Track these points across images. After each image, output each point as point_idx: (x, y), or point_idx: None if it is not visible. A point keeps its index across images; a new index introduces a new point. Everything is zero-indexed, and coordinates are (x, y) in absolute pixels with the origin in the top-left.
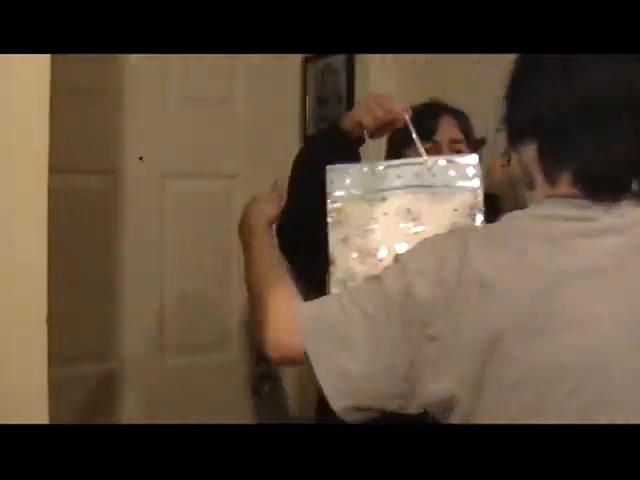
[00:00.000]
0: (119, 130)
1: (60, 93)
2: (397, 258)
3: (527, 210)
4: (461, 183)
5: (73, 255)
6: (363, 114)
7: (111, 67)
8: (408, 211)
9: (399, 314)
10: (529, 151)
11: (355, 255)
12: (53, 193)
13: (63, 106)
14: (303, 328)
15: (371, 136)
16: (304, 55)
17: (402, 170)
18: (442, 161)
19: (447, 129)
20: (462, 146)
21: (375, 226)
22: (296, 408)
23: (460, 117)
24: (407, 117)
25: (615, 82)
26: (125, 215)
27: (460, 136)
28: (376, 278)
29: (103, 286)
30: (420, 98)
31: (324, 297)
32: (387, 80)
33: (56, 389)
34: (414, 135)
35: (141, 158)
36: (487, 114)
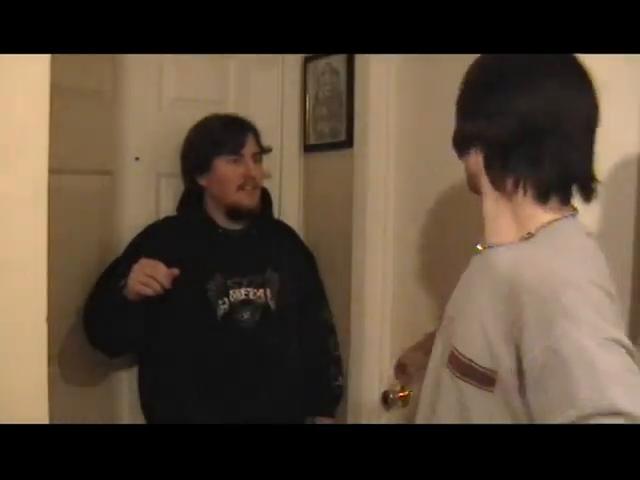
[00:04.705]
0: (115, 131)
1: (59, 93)
2: None
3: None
4: None
5: (72, 255)
6: (138, 286)
7: (108, 69)
8: None
9: None
10: (478, 160)
11: None
12: (52, 193)
13: (61, 106)
14: None
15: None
16: (304, 55)
17: None
18: None
19: (251, 145)
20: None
21: None
22: None
23: (257, 133)
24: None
25: (545, 106)
26: (122, 215)
27: (258, 149)
28: None
29: None
30: (420, 98)
31: None
32: (387, 80)
33: (56, 389)
34: None
35: (137, 158)
36: None
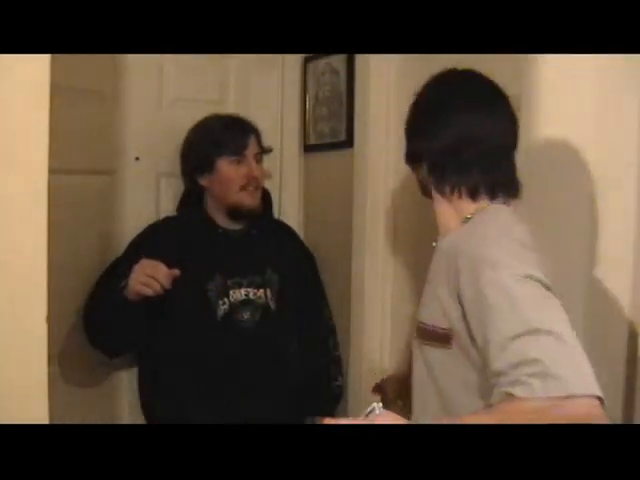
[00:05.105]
0: (115, 131)
1: (59, 93)
2: None
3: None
4: None
5: (72, 255)
6: (139, 287)
7: (108, 69)
8: None
9: None
10: (424, 171)
11: None
12: (52, 193)
13: (61, 106)
14: None
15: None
16: (304, 55)
17: None
18: None
19: (253, 146)
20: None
21: None
22: None
23: (259, 134)
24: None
25: (466, 131)
26: (122, 215)
27: (259, 150)
28: None
29: None
30: None
31: None
32: (387, 80)
33: (56, 389)
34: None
35: (137, 158)
36: None
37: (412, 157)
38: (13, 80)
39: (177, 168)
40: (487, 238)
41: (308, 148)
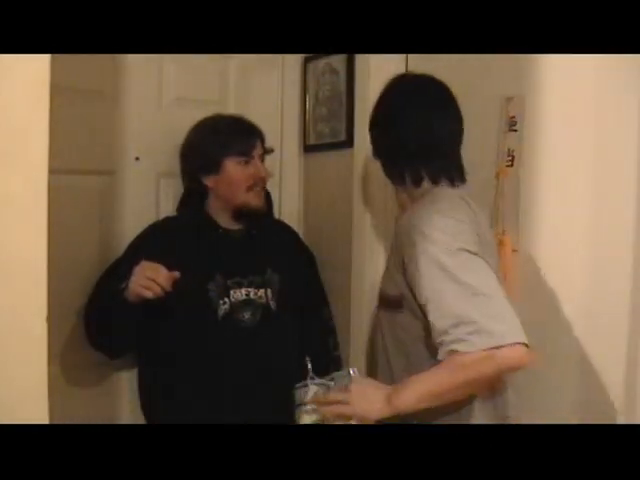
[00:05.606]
0: (115, 131)
1: (59, 93)
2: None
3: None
4: None
5: (72, 255)
6: (139, 289)
7: (108, 69)
8: None
9: None
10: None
11: None
12: (52, 193)
13: (61, 106)
14: None
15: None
16: (304, 55)
17: None
18: None
19: (259, 147)
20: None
21: None
22: None
23: (263, 135)
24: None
25: (417, 132)
26: (122, 215)
27: (263, 150)
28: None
29: None
30: None
31: None
32: (387, 80)
33: (56, 389)
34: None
35: (137, 158)
36: (487, 114)
37: (374, 152)
38: (13, 80)
39: (177, 168)
40: (426, 216)
41: (308, 148)
